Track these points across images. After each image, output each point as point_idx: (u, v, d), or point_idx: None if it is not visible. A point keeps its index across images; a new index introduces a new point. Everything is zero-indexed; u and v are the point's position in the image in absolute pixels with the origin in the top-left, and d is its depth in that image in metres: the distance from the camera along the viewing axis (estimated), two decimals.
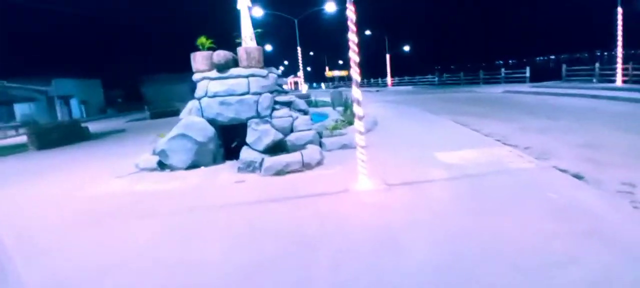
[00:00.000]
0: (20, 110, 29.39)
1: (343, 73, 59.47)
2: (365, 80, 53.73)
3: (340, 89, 46.56)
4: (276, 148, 6.65)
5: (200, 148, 6.88)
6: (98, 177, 7.04)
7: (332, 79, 60.30)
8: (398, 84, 42.33)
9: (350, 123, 9.88)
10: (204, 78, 7.22)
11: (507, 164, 5.48)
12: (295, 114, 7.14)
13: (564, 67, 22.34)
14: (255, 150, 6.48)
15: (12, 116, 28.19)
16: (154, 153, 7.13)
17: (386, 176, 5.27)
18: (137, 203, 5.19)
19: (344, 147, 7.22)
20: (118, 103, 44.04)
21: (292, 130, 6.96)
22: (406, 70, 47.20)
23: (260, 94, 7.05)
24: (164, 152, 6.95)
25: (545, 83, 21.70)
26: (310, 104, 16.20)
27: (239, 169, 6.28)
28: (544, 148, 6.42)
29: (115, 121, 27.60)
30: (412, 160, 6.11)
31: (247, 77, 7.05)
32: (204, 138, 6.92)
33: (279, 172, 5.90)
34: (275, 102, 7.29)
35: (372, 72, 53.15)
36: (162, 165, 7.04)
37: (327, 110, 14.39)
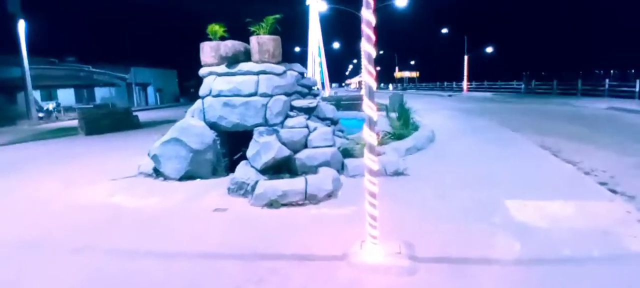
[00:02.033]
0: (101, 93, 32.02)
1: (413, 74, 55.87)
2: (437, 83, 49.74)
3: (402, 92, 43.54)
4: (281, 167, 5.11)
5: (195, 157, 5.64)
6: (97, 176, 6.42)
7: (401, 80, 56.95)
8: (475, 90, 38.01)
9: (400, 136, 7.97)
10: (210, 73, 5.96)
11: (624, 240, 3.23)
12: (313, 124, 5.51)
13: None
14: (253, 168, 5.01)
15: (92, 99, 30.77)
16: (149, 156, 6.07)
17: (416, 239, 3.40)
18: (92, 227, 4.17)
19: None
20: (191, 93, 46.47)
21: (306, 146, 5.35)
22: (487, 75, 42.37)
23: (271, 96, 5.55)
24: (157, 157, 5.84)
25: None
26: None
27: (229, 191, 4.87)
28: None
29: (182, 109, 28.62)
30: (465, 211, 4.10)
31: (257, 74, 5.61)
32: (201, 145, 5.66)
33: (272, 204, 4.35)
34: (292, 107, 5.73)
35: (446, 75, 48.90)
36: (157, 172, 5.96)
37: (380, 116, 12.47)
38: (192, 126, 5.74)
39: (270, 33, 5.70)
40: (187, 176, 5.74)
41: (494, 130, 10.22)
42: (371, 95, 2.76)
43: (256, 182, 4.65)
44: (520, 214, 3.93)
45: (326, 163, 5.12)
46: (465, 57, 37.36)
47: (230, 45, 5.59)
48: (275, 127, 5.43)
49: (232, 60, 5.69)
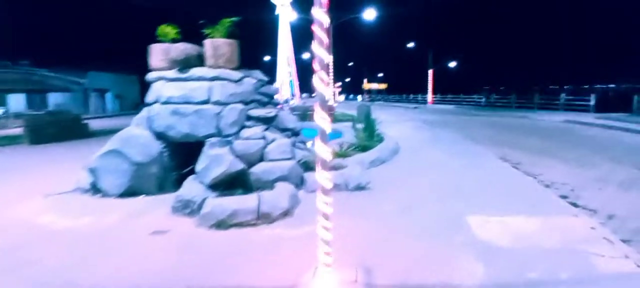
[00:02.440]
0: (54, 99, 29.95)
1: (382, 86, 56.82)
2: (404, 95, 50.85)
3: (370, 103, 44.09)
4: (234, 183, 4.68)
5: (138, 171, 5.08)
6: (29, 192, 5.62)
7: (369, 91, 57.77)
8: (440, 102, 39.12)
9: (365, 148, 7.74)
10: (159, 78, 5.45)
11: (591, 259, 3.09)
12: (272, 136, 5.13)
13: (635, 98, 18.66)
14: (202, 183, 4.54)
15: (45, 105, 28.69)
16: (86, 170, 5.43)
17: (375, 263, 3.10)
18: (6, 252, 3.52)
19: (335, 188, 5.07)
20: None
21: (262, 159, 4.96)
22: (450, 88, 43.81)
23: (225, 104, 5.13)
24: (95, 171, 5.23)
25: (613, 115, 18.14)
26: (334, 119, 14.20)
27: (174, 209, 4.38)
28: None
29: None
30: (428, 229, 3.86)
31: (210, 80, 5.18)
32: (145, 157, 5.12)
33: (221, 224, 3.92)
34: (249, 117, 5.33)
35: (413, 87, 50.16)
36: (95, 187, 5.33)
37: (346, 126, 12.29)
38: (135, 136, 5.19)
39: (227, 36, 5.30)
40: (129, 192, 5.17)
41: (456, 143, 10.28)
42: (324, 105, 2.43)
43: (204, 200, 4.20)
44: (484, 231, 3.73)
45: (284, 178, 4.74)
46: (430, 71, 38.45)
47: (182, 48, 5.14)
48: (229, 138, 5.00)
49: (184, 65, 5.23)
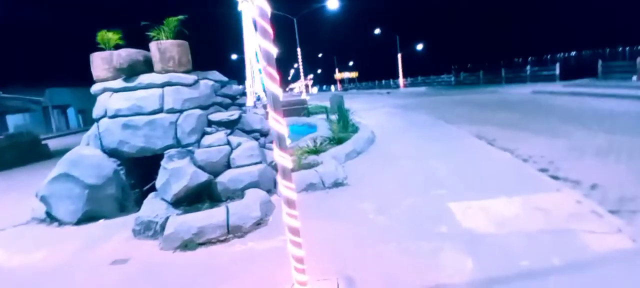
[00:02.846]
0: (14, 121, 28.14)
1: (353, 74, 56.82)
2: (376, 82, 51.04)
3: (343, 92, 43.98)
4: (200, 195, 4.29)
5: (93, 194, 4.60)
6: None
7: (342, 81, 57.67)
8: (411, 85, 39.46)
9: (340, 141, 7.46)
10: (104, 90, 4.94)
11: (583, 237, 2.93)
12: (237, 140, 4.74)
13: (599, 63, 19.27)
14: (164, 200, 4.13)
15: (4, 127, 26.87)
16: (37, 198, 4.90)
17: (356, 270, 2.82)
18: None
19: (311, 187, 4.78)
20: None
21: (229, 165, 4.58)
22: (420, 70, 44.25)
23: (180, 111, 4.69)
24: (46, 199, 4.71)
25: (578, 81, 18.72)
26: (308, 112, 13.84)
27: (135, 233, 3.95)
28: (626, 191, 3.82)
29: None
30: (410, 224, 3.62)
31: (161, 86, 4.72)
32: (98, 179, 4.63)
33: (187, 245, 3.54)
34: (211, 123, 4.92)
35: (382, 73, 50.38)
36: (50, 216, 4.82)
37: (320, 119, 11.99)
38: (84, 157, 4.69)
39: (175, 37, 4.84)
40: (87, 217, 4.69)
41: (430, 125, 10.18)
42: (277, 105, 2.10)
43: (167, 219, 3.80)
44: (467, 219, 3.53)
45: (254, 185, 4.39)
46: (399, 55, 38.67)
47: (125, 55, 4.64)
48: (190, 148, 4.58)
49: (129, 72, 4.74)
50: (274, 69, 2.04)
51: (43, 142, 13.80)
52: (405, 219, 3.72)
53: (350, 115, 12.60)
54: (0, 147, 12.24)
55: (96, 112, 4.90)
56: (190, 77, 4.82)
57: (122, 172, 4.91)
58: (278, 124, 2.10)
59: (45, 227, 4.85)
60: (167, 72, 4.72)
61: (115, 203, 4.82)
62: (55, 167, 4.85)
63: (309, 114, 13.45)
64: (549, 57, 37.95)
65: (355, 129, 8.98)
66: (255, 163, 4.54)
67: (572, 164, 5.09)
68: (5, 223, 5.13)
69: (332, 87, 60.98)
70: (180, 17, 4.82)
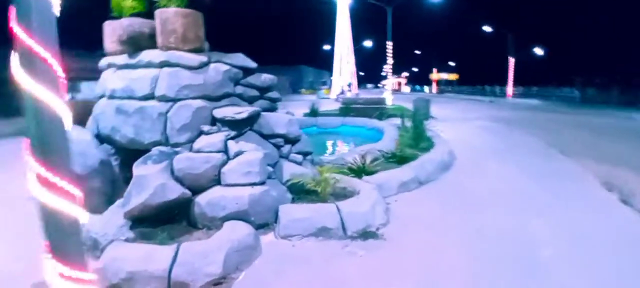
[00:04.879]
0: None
1: (452, 76, 51.85)
2: (478, 87, 45.77)
3: (433, 96, 39.91)
4: (173, 215, 3.21)
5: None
6: None
7: (439, 82, 53.07)
8: (522, 96, 34.05)
9: (401, 159, 5.81)
10: (109, 65, 4.18)
11: None
12: (237, 147, 3.53)
13: None
14: (124, 215, 3.14)
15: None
16: None
17: None
18: None
19: (323, 233, 3.28)
20: None
21: (218, 181, 3.39)
22: (535, 80, 38.05)
23: (174, 100, 3.66)
24: None
25: None
26: (381, 114, 12.19)
27: (87, 248, 3.04)
28: None
29: None
30: None
31: (159, 66, 3.74)
32: (83, 169, 3.88)
33: None
34: (216, 120, 3.80)
35: (487, 78, 44.73)
36: None
37: (394, 124, 10.25)
38: (72, 141, 3.99)
39: (186, 6, 3.80)
40: None
41: (538, 153, 7.69)
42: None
43: (110, 243, 2.80)
44: None
45: (242, 215, 3.14)
46: (511, 59, 33.59)
47: (127, 24, 3.78)
48: (179, 149, 3.53)
49: (132, 46, 3.88)
50: None
51: None
52: None
53: (432, 124, 10.59)
54: None
55: (98, 89, 4.18)
56: (195, 58, 3.75)
57: (116, 162, 4.12)
58: None
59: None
60: (168, 49, 3.73)
61: (104, 198, 4.05)
62: None
63: (381, 116, 11.74)
64: None
65: (430, 145, 7.12)
66: (252, 185, 3.28)
67: None
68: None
69: (426, 88, 56.68)
70: None
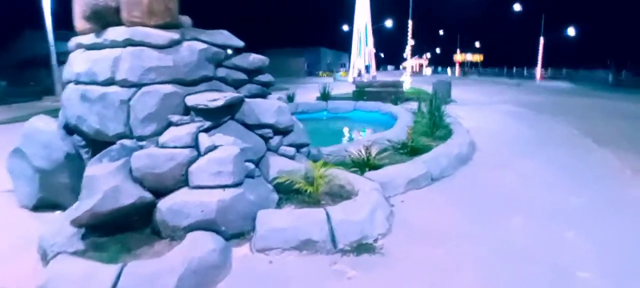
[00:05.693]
0: None
1: (477, 58, 49.53)
2: (505, 69, 43.67)
3: (457, 78, 38.09)
4: (132, 222, 2.75)
5: (44, 179, 3.53)
6: None
7: (463, 64, 50.81)
8: (552, 78, 32.19)
9: (413, 151, 5.19)
10: (77, 46, 3.71)
11: None
12: (209, 142, 3.01)
13: None
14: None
15: None
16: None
17: None
18: None
19: (307, 246, 2.72)
20: None
21: (187, 181, 2.90)
22: (566, 62, 35.80)
23: (138, 86, 3.16)
24: (9, 172, 3.85)
25: None
26: (397, 98, 11.45)
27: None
28: None
29: None
30: None
31: (123, 45, 3.23)
32: (49, 163, 3.50)
33: None
34: (190, 109, 3.28)
35: (515, 60, 42.49)
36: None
37: (409, 108, 9.53)
38: (38, 132, 3.59)
39: None
40: (44, 204, 3.69)
41: (571, 144, 6.85)
42: None
43: (57, 255, 2.37)
44: None
45: (209, 224, 2.64)
46: (541, 39, 31.61)
47: None
48: (144, 143, 3.05)
49: (97, 22, 3.39)
50: None
51: None
52: None
53: (453, 109, 9.78)
54: None
55: (65, 74, 3.73)
56: (164, 35, 3.21)
57: (87, 155, 3.70)
58: None
59: (5, 202, 3.96)
60: (133, 24, 3.20)
61: (72, 194, 3.66)
62: None
63: (397, 100, 10.98)
64: None
65: (447, 134, 6.43)
66: (223, 187, 2.76)
67: None
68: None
69: (449, 70, 54.43)
70: None
